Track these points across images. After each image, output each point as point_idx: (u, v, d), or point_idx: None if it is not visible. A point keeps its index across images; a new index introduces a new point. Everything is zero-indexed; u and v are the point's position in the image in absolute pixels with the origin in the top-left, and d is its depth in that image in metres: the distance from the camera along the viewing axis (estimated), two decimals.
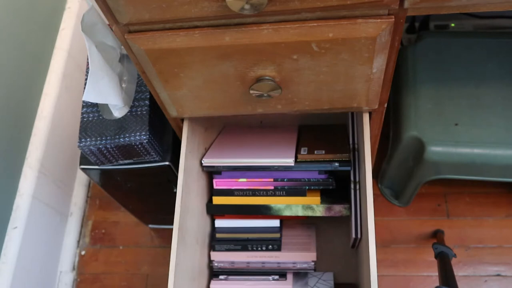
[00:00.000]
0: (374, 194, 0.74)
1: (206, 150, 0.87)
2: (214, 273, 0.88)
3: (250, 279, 0.87)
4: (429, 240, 1.17)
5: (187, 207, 0.75)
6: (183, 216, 0.73)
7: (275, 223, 0.86)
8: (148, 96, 0.85)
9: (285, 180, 0.82)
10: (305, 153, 0.80)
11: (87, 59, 0.77)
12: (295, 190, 0.82)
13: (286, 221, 0.94)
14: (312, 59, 0.59)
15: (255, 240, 0.86)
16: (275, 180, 0.82)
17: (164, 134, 0.89)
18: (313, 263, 0.86)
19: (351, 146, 0.83)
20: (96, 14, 0.74)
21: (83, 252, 1.26)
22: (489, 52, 1.00)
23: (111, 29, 0.59)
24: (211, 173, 0.87)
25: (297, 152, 0.81)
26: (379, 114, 0.73)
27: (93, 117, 0.85)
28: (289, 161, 0.79)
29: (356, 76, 0.62)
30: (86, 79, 0.85)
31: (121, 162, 0.87)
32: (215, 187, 0.84)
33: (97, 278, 1.22)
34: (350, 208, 0.81)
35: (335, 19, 0.54)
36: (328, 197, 0.84)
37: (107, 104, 0.84)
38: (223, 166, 0.82)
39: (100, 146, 0.82)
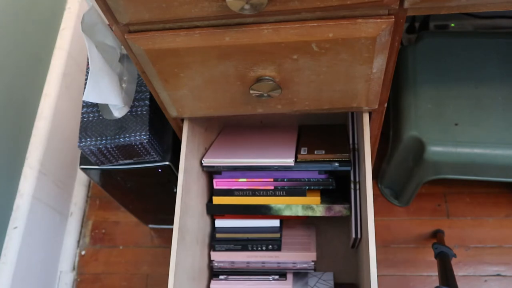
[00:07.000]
0: (374, 194, 0.74)
1: (206, 150, 0.87)
2: (214, 273, 0.88)
3: (250, 279, 0.87)
4: (429, 240, 1.17)
5: (187, 207, 0.75)
6: (183, 216, 0.73)
7: (275, 223, 0.86)
8: (148, 96, 0.85)
9: (285, 180, 0.82)
10: (305, 153, 0.80)
11: (87, 59, 0.77)
12: (295, 190, 0.82)
13: (286, 221, 0.94)
14: (312, 59, 0.59)
15: (255, 240, 0.86)
16: (275, 180, 0.82)
17: (164, 134, 0.89)
18: (313, 263, 0.86)
19: (351, 146, 0.83)
20: (96, 14, 0.74)
21: (83, 252, 1.26)
22: (489, 52, 1.00)
23: (111, 29, 0.59)
24: (211, 173, 0.87)
25: (297, 152, 0.81)
26: (379, 114, 0.73)
27: (93, 117, 0.85)
28: (289, 161, 0.79)
29: (356, 76, 0.62)
30: (86, 79, 0.85)
31: (121, 162, 0.87)
32: (215, 187, 0.84)
33: (97, 278, 1.22)
34: (350, 208, 0.81)
35: (335, 19, 0.54)
36: (328, 197, 0.84)
37: (107, 104, 0.84)
38: (223, 166, 0.82)
39: (100, 146, 0.82)
